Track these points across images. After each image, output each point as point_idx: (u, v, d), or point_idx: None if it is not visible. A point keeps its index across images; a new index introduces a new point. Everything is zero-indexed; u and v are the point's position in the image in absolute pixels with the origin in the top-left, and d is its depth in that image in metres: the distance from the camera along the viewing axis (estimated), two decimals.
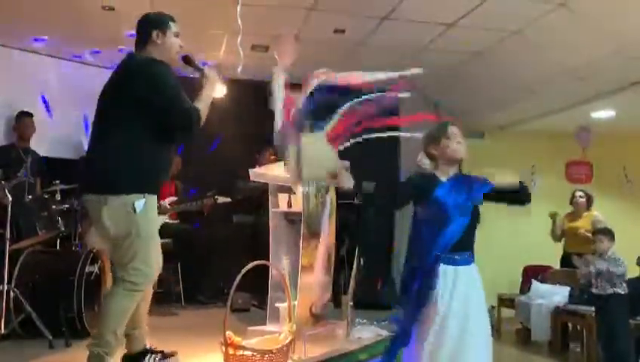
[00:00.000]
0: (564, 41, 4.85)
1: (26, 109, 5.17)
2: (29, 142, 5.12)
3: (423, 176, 2.56)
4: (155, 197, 2.81)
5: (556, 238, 5.84)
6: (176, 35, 2.89)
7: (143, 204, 2.65)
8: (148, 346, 3.08)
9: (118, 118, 2.70)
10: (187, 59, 2.95)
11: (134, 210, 2.63)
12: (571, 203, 5.94)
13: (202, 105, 2.76)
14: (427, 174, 2.56)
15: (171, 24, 2.89)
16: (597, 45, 4.71)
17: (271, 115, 6.17)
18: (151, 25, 2.85)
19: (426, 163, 2.63)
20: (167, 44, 2.84)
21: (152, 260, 2.74)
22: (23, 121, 5.08)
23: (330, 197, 4.21)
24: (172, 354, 3.17)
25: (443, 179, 2.51)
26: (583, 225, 5.67)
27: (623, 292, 4.08)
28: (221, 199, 5.73)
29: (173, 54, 2.87)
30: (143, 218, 2.67)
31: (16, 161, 4.89)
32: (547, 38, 4.90)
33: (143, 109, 2.65)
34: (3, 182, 4.32)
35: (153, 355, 3.05)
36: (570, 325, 4.96)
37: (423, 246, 2.46)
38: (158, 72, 2.70)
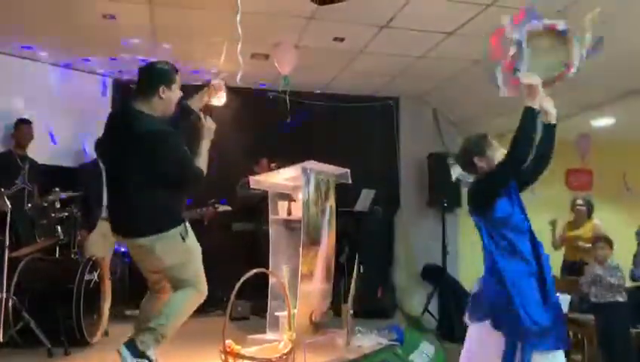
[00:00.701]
0: None
1: (25, 117, 5.17)
2: (27, 149, 5.11)
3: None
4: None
5: (556, 246, 5.84)
6: (179, 87, 3.08)
7: (186, 231, 3.02)
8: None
9: (141, 176, 2.96)
10: (185, 109, 3.16)
11: (183, 239, 2.99)
12: (572, 210, 5.94)
13: (203, 159, 3.06)
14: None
15: (176, 77, 3.07)
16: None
17: (269, 123, 6.22)
18: (158, 79, 3.01)
19: (469, 177, 2.60)
20: (171, 98, 3.03)
21: (202, 271, 3.09)
22: (20, 128, 5.08)
23: (330, 205, 4.21)
24: None
25: None
26: (583, 233, 5.67)
27: (622, 301, 4.06)
28: (222, 208, 5.74)
29: (173, 106, 3.07)
30: (191, 241, 3.06)
31: (13, 168, 4.90)
32: None
33: (162, 175, 2.95)
34: (2, 189, 4.33)
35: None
36: (570, 333, 4.93)
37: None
38: (173, 144, 2.95)
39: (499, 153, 2.49)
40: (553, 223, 5.76)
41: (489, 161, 2.50)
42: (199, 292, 3.04)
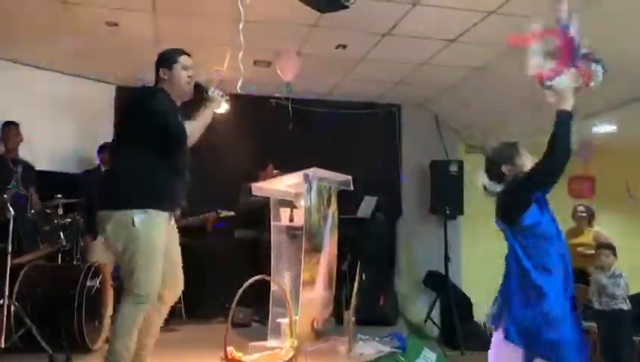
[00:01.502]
0: None
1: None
2: (17, 152, 5.00)
3: None
4: (163, 213, 2.93)
5: None
6: (184, 68, 3.06)
7: (143, 218, 2.80)
8: None
9: (124, 139, 2.99)
10: (196, 86, 3.13)
11: (133, 224, 2.78)
12: (573, 217, 5.92)
13: (195, 124, 3.00)
14: None
15: (179, 58, 3.07)
16: None
17: (272, 130, 6.23)
18: (159, 63, 3.09)
19: (496, 186, 2.48)
20: (174, 77, 3.04)
21: (153, 274, 2.84)
22: (9, 131, 4.96)
23: (332, 212, 4.21)
24: None
25: None
26: (584, 240, 5.65)
27: (626, 308, 4.05)
28: (224, 213, 5.74)
29: (182, 85, 3.05)
30: (144, 232, 2.81)
31: (5, 171, 4.85)
32: None
33: (140, 132, 2.90)
34: (5, 196, 4.34)
35: None
36: None
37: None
38: (160, 100, 2.96)
39: (529, 161, 2.43)
40: None
41: (517, 169, 2.43)
42: (134, 302, 2.81)
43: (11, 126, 5.00)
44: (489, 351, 2.42)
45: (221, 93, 3.10)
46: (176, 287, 3.07)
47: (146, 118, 2.89)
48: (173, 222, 3.10)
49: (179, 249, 3.13)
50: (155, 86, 3.09)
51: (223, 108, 3.29)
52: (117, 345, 2.80)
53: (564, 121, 2.28)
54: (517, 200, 2.36)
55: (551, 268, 2.28)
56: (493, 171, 2.49)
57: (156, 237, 2.87)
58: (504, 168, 2.45)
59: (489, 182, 2.50)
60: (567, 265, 2.33)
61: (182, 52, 3.12)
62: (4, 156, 4.95)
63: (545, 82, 2.39)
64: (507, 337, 2.28)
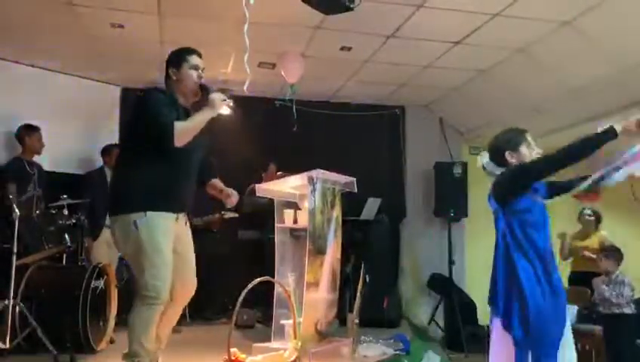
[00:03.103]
0: (569, 58, 4.86)
1: (33, 123, 5.15)
2: (34, 156, 5.07)
3: None
4: (164, 214, 2.92)
5: (564, 258, 5.80)
6: (194, 68, 3.05)
7: (144, 221, 2.83)
8: None
9: (124, 145, 3.11)
10: (201, 87, 3.10)
11: (135, 227, 2.83)
12: (579, 221, 5.90)
13: (186, 124, 2.90)
14: None
15: (189, 57, 3.07)
16: (602, 63, 4.72)
17: (277, 132, 6.24)
18: (168, 63, 3.10)
19: (496, 171, 2.46)
20: (182, 77, 3.04)
21: (161, 274, 2.86)
22: (33, 135, 5.03)
23: (336, 214, 4.21)
24: None
25: None
26: (590, 244, 5.63)
27: (630, 313, 4.04)
28: (228, 215, 5.74)
29: (190, 85, 3.05)
30: (146, 234, 2.84)
31: (25, 175, 4.90)
32: (552, 57, 4.92)
33: (138, 134, 2.92)
34: (11, 196, 4.36)
35: None
36: (578, 345, 4.90)
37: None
38: (156, 99, 2.94)
39: (534, 153, 2.40)
40: (562, 236, 5.72)
41: (520, 158, 2.39)
42: (145, 303, 2.85)
43: (36, 131, 5.04)
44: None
45: (223, 97, 3.02)
46: (187, 286, 3.10)
47: (140, 120, 2.93)
48: (184, 222, 3.10)
49: (191, 248, 3.15)
50: (155, 87, 3.10)
51: (225, 111, 3.26)
52: (134, 346, 2.87)
53: (599, 137, 2.21)
54: (515, 183, 2.35)
55: (533, 256, 2.29)
56: (496, 155, 2.46)
57: (159, 238, 2.88)
58: (507, 154, 2.41)
59: (489, 163, 2.48)
60: (549, 254, 2.34)
61: (192, 51, 3.10)
62: (23, 159, 4.99)
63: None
64: (503, 325, 2.29)
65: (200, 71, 3.07)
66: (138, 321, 2.88)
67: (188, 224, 3.16)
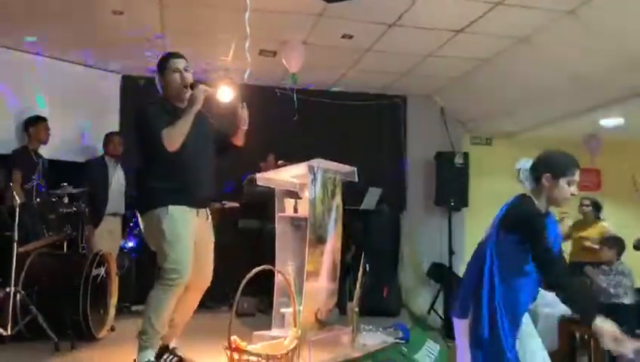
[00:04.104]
0: (571, 48, 4.84)
1: (36, 114, 5.16)
2: (40, 146, 5.09)
3: (538, 215, 2.31)
4: (184, 208, 3.15)
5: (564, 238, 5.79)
6: (175, 71, 3.20)
7: (166, 214, 3.09)
8: (171, 346, 3.34)
9: (138, 150, 3.29)
10: (192, 85, 3.22)
11: (159, 221, 3.09)
12: (579, 211, 5.89)
13: (173, 127, 3.05)
14: (535, 209, 2.32)
15: (168, 63, 3.23)
16: (605, 53, 4.69)
17: (276, 120, 6.22)
18: (157, 72, 3.29)
19: (526, 182, 2.39)
20: (167, 82, 3.23)
21: (182, 259, 3.08)
22: (41, 126, 5.05)
23: (337, 203, 4.20)
24: None
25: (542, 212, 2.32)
26: (591, 233, 5.63)
27: (628, 303, 4.04)
28: (229, 204, 5.74)
29: (176, 87, 3.20)
30: (169, 224, 3.09)
31: (31, 164, 4.91)
32: (555, 46, 4.89)
33: (144, 146, 3.21)
34: (12, 184, 4.36)
35: (170, 356, 3.31)
36: (577, 335, 4.91)
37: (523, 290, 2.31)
38: (146, 112, 3.18)
39: (567, 194, 2.30)
40: (562, 215, 5.71)
41: (555, 189, 2.29)
42: (163, 284, 3.06)
43: (43, 121, 5.08)
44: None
45: (203, 89, 3.14)
46: (202, 275, 3.31)
47: (139, 135, 3.20)
48: (205, 217, 3.31)
49: (210, 242, 3.38)
50: (149, 101, 3.32)
51: (228, 97, 3.31)
52: (144, 325, 3.07)
53: (588, 318, 2.12)
54: (524, 242, 2.26)
55: (511, 311, 2.27)
56: (536, 170, 2.37)
57: (179, 229, 3.10)
58: (545, 177, 2.32)
59: (526, 171, 2.39)
60: (522, 309, 2.32)
61: (171, 55, 3.27)
62: (29, 148, 5.01)
63: None
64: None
65: (184, 71, 3.20)
66: (153, 301, 3.08)
67: (210, 219, 3.37)
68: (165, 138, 3.01)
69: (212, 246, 3.41)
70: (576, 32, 4.53)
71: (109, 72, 6.15)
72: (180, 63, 3.22)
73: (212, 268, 3.39)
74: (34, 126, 5.04)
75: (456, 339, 2.47)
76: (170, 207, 3.10)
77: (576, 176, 2.30)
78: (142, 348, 3.05)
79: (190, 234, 3.16)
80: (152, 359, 3.04)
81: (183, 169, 3.14)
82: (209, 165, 3.32)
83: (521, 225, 2.29)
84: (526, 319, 2.36)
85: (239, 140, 3.47)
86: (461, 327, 2.41)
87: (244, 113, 3.41)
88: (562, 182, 2.28)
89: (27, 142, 5.04)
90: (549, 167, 2.32)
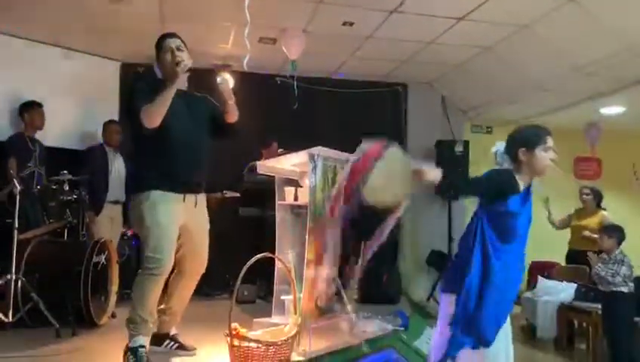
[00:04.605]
0: (573, 36, 4.81)
1: (33, 99, 5.13)
2: (36, 132, 5.09)
3: (506, 174, 2.34)
4: (168, 193, 3.09)
5: (554, 224, 5.80)
6: (168, 51, 3.17)
7: (147, 199, 3.04)
8: (172, 333, 3.39)
9: (131, 135, 3.25)
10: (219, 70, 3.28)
11: (139, 206, 3.06)
12: (580, 199, 5.89)
13: (151, 105, 2.98)
14: (509, 173, 2.34)
15: (161, 44, 3.22)
16: (606, 41, 4.67)
17: (276, 108, 6.20)
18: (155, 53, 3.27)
19: (505, 163, 2.40)
20: (161, 62, 3.21)
21: (162, 247, 3.02)
22: (35, 111, 5.03)
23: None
24: (189, 349, 3.40)
25: (520, 186, 2.32)
26: (591, 222, 5.63)
27: (626, 291, 4.05)
28: (229, 193, 5.74)
29: (169, 68, 3.12)
30: (149, 210, 3.04)
31: (26, 150, 4.91)
32: (556, 34, 4.87)
33: (133, 123, 3.08)
34: (11, 171, 4.36)
35: (171, 343, 3.36)
36: (575, 322, 4.94)
37: (484, 254, 2.38)
38: (133, 88, 3.18)
39: (547, 160, 2.31)
40: (546, 200, 5.72)
41: (533, 160, 2.30)
42: (146, 273, 3.02)
43: (39, 106, 5.06)
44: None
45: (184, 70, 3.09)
46: (196, 260, 3.31)
47: (129, 109, 3.15)
48: (193, 202, 3.23)
49: (203, 227, 3.33)
50: (143, 73, 3.30)
51: (229, 84, 3.31)
52: (132, 313, 3.06)
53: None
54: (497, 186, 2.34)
55: (494, 271, 2.33)
56: (510, 149, 2.39)
57: (160, 216, 3.03)
58: (521, 152, 2.33)
59: (502, 154, 2.42)
60: (512, 273, 2.38)
61: (164, 37, 3.25)
62: (24, 135, 4.99)
63: None
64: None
65: (176, 50, 3.15)
66: (137, 290, 3.07)
67: (199, 205, 3.28)
68: (143, 114, 2.95)
69: (206, 231, 3.35)
70: (577, 19, 4.50)
71: (109, 59, 6.12)
72: (172, 42, 3.18)
73: (207, 253, 3.36)
74: (28, 111, 5.02)
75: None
76: (153, 192, 3.04)
77: (550, 142, 2.34)
78: (132, 336, 3.06)
79: (173, 221, 3.09)
80: (144, 344, 3.03)
81: (169, 152, 3.08)
82: (200, 149, 3.23)
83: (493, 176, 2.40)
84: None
85: (231, 116, 3.37)
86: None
87: (226, 87, 3.34)
88: (538, 151, 2.31)
89: (23, 129, 5.03)
90: (522, 141, 2.36)
